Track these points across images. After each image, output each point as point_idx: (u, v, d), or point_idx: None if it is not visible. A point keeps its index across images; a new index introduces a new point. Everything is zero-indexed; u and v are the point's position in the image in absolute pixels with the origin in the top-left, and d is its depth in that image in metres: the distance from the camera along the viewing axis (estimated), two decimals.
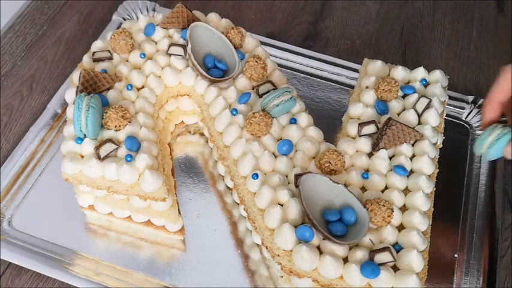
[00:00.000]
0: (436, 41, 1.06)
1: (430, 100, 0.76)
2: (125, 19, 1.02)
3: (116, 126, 0.70)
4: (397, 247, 0.63)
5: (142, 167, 0.67)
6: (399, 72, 0.80)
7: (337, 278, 0.61)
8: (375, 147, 0.72)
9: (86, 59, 0.79)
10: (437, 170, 0.73)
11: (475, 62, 1.03)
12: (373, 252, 0.62)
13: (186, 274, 0.74)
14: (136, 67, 0.79)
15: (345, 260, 0.62)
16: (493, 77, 0.99)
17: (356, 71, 0.94)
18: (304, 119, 0.74)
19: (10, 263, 0.75)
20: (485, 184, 0.84)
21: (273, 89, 0.76)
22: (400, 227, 0.66)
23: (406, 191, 0.70)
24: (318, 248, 0.62)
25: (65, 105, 0.89)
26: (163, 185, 0.68)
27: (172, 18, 0.82)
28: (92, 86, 0.74)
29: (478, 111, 0.92)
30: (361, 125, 0.73)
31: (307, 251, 0.61)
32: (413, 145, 0.73)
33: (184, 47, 0.80)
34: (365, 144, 0.72)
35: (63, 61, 0.99)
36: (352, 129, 0.74)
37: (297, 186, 0.65)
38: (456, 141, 0.90)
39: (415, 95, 0.77)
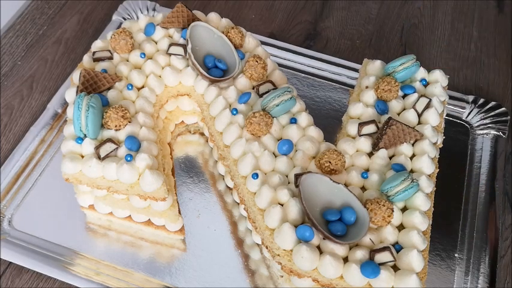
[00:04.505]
0: (436, 41, 1.06)
1: (430, 100, 0.76)
2: (125, 19, 1.02)
3: (116, 126, 0.70)
4: (397, 247, 0.63)
5: (142, 167, 0.67)
6: None
7: (337, 277, 0.61)
8: (375, 146, 0.72)
9: (86, 59, 0.79)
10: (437, 170, 0.73)
11: (475, 62, 1.03)
12: (373, 252, 0.62)
13: (186, 274, 0.74)
14: (136, 67, 0.79)
15: (345, 259, 0.62)
16: (493, 77, 1.00)
17: (356, 71, 0.94)
18: (304, 118, 0.74)
19: (10, 262, 0.75)
20: (485, 184, 0.84)
21: (273, 89, 0.76)
22: (400, 227, 0.66)
23: None
24: (318, 247, 0.62)
25: (65, 105, 0.89)
26: (163, 184, 0.68)
27: (172, 18, 0.82)
28: (92, 86, 0.74)
29: (478, 111, 0.93)
30: (361, 124, 0.73)
31: (307, 251, 0.61)
32: (413, 145, 0.73)
33: (184, 46, 0.80)
34: (365, 144, 0.72)
35: (63, 61, 0.99)
36: (352, 129, 0.74)
37: (297, 186, 0.65)
38: (456, 141, 0.90)
39: (415, 95, 0.77)
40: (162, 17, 0.83)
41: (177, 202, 0.79)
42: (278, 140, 0.72)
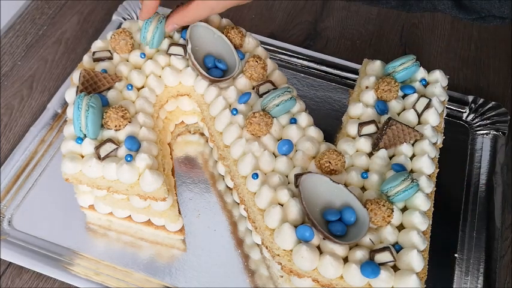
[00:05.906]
0: (436, 41, 1.06)
1: (430, 100, 0.76)
2: (125, 19, 1.02)
3: (116, 126, 0.70)
4: (397, 247, 0.63)
5: (142, 167, 0.67)
6: None
7: (337, 277, 0.61)
8: (375, 147, 0.72)
9: (86, 59, 0.79)
10: (438, 170, 0.73)
11: (475, 62, 1.03)
12: (373, 252, 0.62)
13: (186, 274, 0.74)
14: (136, 67, 0.79)
15: (345, 259, 0.62)
16: (493, 77, 1.00)
17: (356, 70, 0.94)
18: (304, 118, 0.74)
19: (10, 262, 0.75)
20: (485, 184, 0.84)
21: (273, 89, 0.76)
22: (400, 227, 0.66)
23: None
24: (318, 247, 0.62)
25: (65, 105, 0.89)
26: (163, 184, 0.68)
27: None
28: (92, 86, 0.74)
29: (478, 111, 0.92)
30: (361, 124, 0.73)
31: (307, 251, 0.61)
32: (413, 145, 0.73)
33: (184, 46, 0.80)
34: (365, 144, 0.72)
35: (63, 61, 0.99)
36: (352, 129, 0.74)
37: (297, 186, 0.65)
38: (456, 141, 0.90)
39: (415, 95, 0.77)
40: None
41: (177, 202, 0.79)
42: (278, 140, 0.72)
